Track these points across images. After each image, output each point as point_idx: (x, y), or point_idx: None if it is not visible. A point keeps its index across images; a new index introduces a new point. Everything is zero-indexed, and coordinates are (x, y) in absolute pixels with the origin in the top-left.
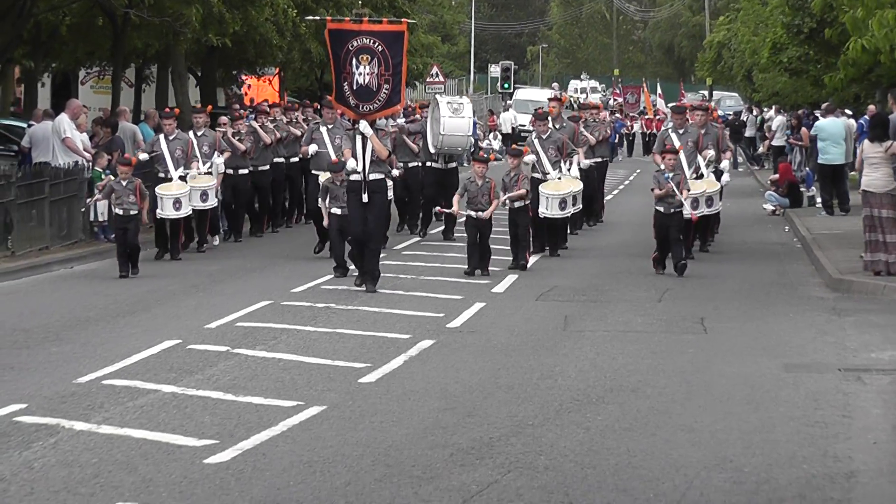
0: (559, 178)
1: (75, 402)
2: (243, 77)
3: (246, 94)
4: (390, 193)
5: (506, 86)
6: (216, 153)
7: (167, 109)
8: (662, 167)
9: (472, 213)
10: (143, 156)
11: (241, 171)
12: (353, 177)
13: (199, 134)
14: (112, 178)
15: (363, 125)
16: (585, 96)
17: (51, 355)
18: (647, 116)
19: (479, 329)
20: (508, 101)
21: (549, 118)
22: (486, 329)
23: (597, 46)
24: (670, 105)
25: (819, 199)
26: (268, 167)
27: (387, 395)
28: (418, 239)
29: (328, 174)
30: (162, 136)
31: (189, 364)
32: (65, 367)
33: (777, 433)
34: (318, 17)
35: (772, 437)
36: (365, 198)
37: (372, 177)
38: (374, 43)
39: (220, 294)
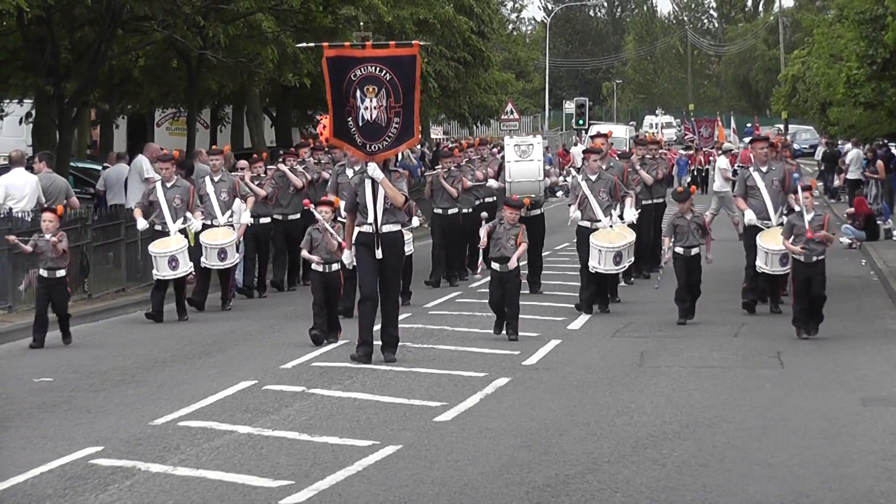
0: (611, 227)
1: (151, 444)
2: (319, 117)
3: (321, 133)
4: (410, 247)
5: (580, 122)
6: (237, 200)
7: (164, 152)
8: (796, 209)
9: (497, 266)
10: (143, 224)
11: (263, 220)
12: (365, 228)
13: (215, 179)
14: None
15: (372, 168)
16: (663, 133)
17: (127, 397)
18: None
19: (554, 366)
20: (577, 137)
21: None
22: (561, 366)
23: (672, 81)
24: (748, 139)
25: None
26: (299, 215)
27: (462, 433)
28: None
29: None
30: (158, 184)
31: (265, 404)
32: (141, 409)
33: (854, 468)
34: (313, 45)
35: (849, 472)
36: (379, 253)
37: (385, 229)
38: (380, 71)
39: (295, 334)
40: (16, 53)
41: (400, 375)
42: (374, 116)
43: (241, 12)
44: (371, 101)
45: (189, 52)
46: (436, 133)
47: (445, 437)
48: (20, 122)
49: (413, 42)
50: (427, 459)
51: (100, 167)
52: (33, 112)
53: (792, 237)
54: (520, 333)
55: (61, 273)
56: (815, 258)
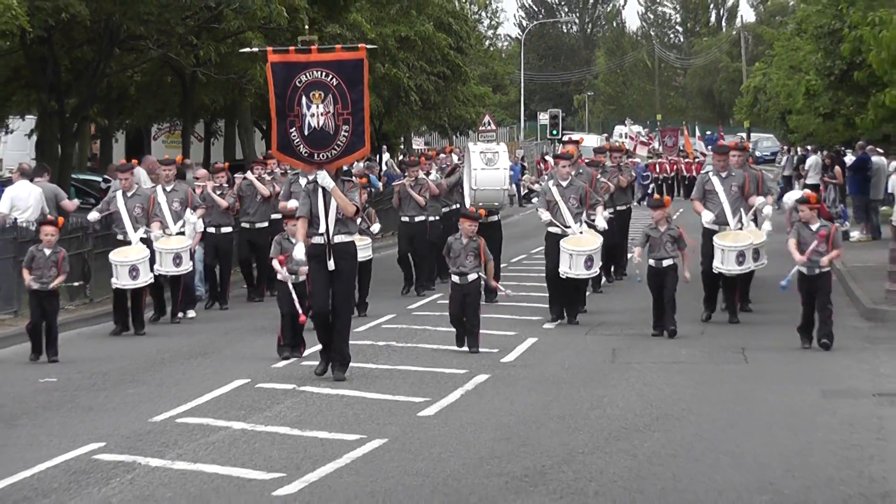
0: (581, 234)
1: (151, 439)
2: None
3: None
4: (368, 252)
5: (554, 133)
6: (188, 210)
7: (122, 162)
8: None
9: (457, 279)
10: (94, 215)
11: (225, 230)
12: (316, 240)
13: (167, 189)
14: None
15: (322, 177)
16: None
17: (127, 396)
18: (686, 160)
19: (531, 363)
20: (552, 146)
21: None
22: (538, 363)
23: (640, 93)
24: (710, 147)
25: (858, 234)
26: (266, 224)
27: (445, 427)
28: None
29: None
30: (119, 193)
31: (258, 402)
32: (140, 407)
33: (816, 457)
34: (255, 49)
35: (811, 461)
36: (331, 265)
37: (338, 239)
38: (326, 76)
39: None
40: (19, 72)
41: (385, 373)
42: (321, 123)
43: (231, 31)
44: (317, 107)
45: (183, 69)
46: (417, 144)
47: (429, 430)
48: (28, 136)
49: (359, 45)
50: (411, 452)
51: (99, 178)
52: (34, 125)
53: (797, 245)
54: (497, 332)
55: (53, 286)
56: (817, 270)
